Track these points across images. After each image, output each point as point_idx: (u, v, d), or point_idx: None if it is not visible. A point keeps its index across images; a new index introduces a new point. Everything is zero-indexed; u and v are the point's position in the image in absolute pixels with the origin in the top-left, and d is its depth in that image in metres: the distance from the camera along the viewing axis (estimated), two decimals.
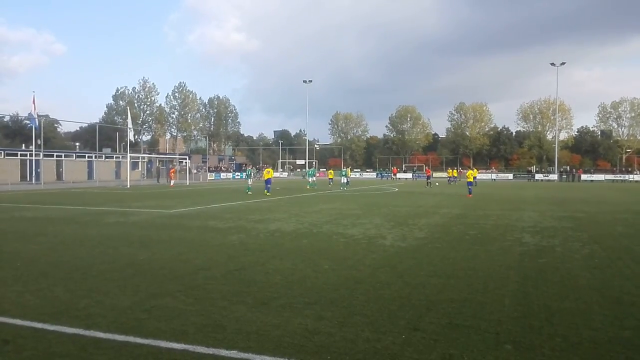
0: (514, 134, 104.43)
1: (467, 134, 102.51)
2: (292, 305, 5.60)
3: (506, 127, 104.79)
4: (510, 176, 74.01)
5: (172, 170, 46.37)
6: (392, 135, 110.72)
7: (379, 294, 6.15)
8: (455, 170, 53.81)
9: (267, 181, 30.49)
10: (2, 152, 47.09)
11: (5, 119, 78.09)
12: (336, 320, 5.08)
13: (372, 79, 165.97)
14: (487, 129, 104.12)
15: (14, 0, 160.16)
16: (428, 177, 44.36)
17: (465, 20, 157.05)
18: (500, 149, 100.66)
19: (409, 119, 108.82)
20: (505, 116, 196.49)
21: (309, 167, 59.97)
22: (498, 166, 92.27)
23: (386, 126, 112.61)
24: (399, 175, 71.20)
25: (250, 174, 36.52)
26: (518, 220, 14.93)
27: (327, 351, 4.24)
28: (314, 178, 40.60)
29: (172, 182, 43.15)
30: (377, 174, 78.76)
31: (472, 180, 28.92)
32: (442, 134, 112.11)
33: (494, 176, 71.54)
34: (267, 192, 28.86)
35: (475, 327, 4.88)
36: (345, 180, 38.45)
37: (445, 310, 5.44)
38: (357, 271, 7.52)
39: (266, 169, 35.50)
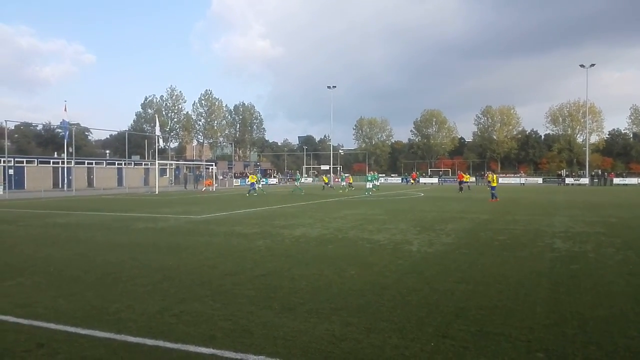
0: (542, 137, 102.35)
1: (495, 137, 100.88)
2: (318, 311, 5.60)
3: (535, 130, 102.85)
4: (540, 180, 72.45)
5: (207, 182, 47.45)
6: (417, 139, 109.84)
7: (406, 300, 6.09)
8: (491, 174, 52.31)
9: (252, 185, 36.85)
10: (35, 160, 48.54)
11: (38, 128, 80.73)
12: (363, 326, 5.05)
13: (396, 83, 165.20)
14: (515, 133, 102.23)
15: (45, 12, 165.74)
16: (461, 182, 40.23)
17: (490, 23, 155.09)
18: (529, 153, 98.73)
19: (434, 123, 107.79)
20: (534, 119, 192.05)
21: (333, 172, 60.20)
22: (527, 170, 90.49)
23: (411, 131, 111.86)
24: (422, 180, 70.33)
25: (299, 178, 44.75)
26: (548, 226, 14.60)
27: (354, 358, 4.22)
28: (371, 184, 38.90)
29: (204, 188, 44.19)
30: (402, 179, 78.18)
31: (496, 184, 28.36)
32: (469, 138, 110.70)
33: (522, 180, 70.17)
34: (248, 194, 34.69)
35: (506, 335, 4.78)
36: (371, 185, 37.84)
37: (475, 318, 5.35)
38: (384, 277, 7.47)
39: (250, 175, 41.84)
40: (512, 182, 70.34)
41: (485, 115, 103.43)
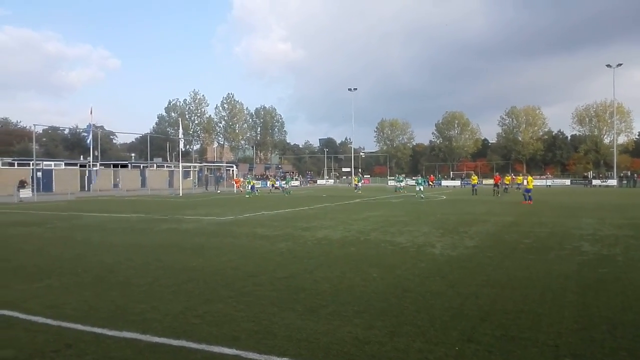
0: (569, 138, 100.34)
1: (520, 138, 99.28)
2: (341, 314, 5.58)
3: (561, 131, 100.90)
4: (567, 182, 70.99)
5: (237, 181, 48.01)
6: (438, 141, 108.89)
7: (430, 303, 6.03)
8: (520, 177, 49.79)
9: (252, 187, 40.24)
10: (63, 163, 49.70)
11: (65, 132, 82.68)
12: (386, 329, 5.01)
13: (417, 85, 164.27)
14: (540, 134, 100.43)
15: (71, 18, 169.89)
16: (496, 185, 37.44)
17: (512, 22, 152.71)
18: (555, 154, 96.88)
19: (456, 125, 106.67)
20: (560, 120, 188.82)
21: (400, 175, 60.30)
22: (554, 172, 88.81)
23: (432, 133, 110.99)
24: (444, 183, 69.42)
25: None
26: (576, 228, 14.29)
27: None
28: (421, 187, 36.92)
29: (238, 190, 44.79)
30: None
31: (532, 187, 27.68)
32: (492, 139, 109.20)
33: (549, 182, 68.89)
34: (248, 195, 36.89)
35: (533, 339, 4.69)
36: (422, 188, 36.61)
37: (500, 322, 5.27)
38: (407, 280, 7.41)
39: (244, 180, 45.46)
40: (538, 184, 68.85)
41: (510, 116, 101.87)
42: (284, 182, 46.38)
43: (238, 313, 5.63)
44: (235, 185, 46.89)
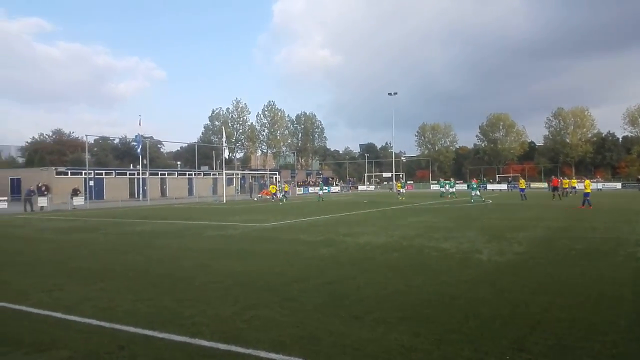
0: (620, 140, 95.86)
1: (568, 141, 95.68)
2: (385, 320, 5.54)
3: (611, 132, 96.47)
4: (619, 185, 67.80)
5: (265, 192, 45.67)
6: (483, 144, 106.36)
7: (478, 311, 5.89)
8: (574, 180, 47.38)
9: (273, 194, 40.77)
10: (114, 172, 51.68)
11: (115, 141, 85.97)
12: (433, 337, 4.93)
13: (459, 87, 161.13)
14: (589, 135, 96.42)
15: (119, 32, 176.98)
16: (555, 189, 35.74)
17: (558, 20, 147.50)
18: (605, 157, 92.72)
19: (501, 127, 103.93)
20: (610, 121, 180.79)
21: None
22: (604, 175, 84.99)
23: (476, 135, 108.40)
24: (490, 187, 67.42)
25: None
26: (630, 233, 13.62)
27: None
28: (477, 192, 36.98)
29: (272, 198, 42.73)
30: (467, 186, 75.81)
31: (589, 190, 26.67)
32: (539, 142, 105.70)
33: (599, 185, 65.97)
34: (273, 200, 39.15)
35: (588, 349, 4.51)
36: (478, 193, 35.22)
37: (552, 330, 5.08)
38: (453, 287, 7.26)
39: (271, 185, 44.23)
40: (578, 187, 66.31)
41: (557, 117, 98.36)
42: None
43: (283, 318, 5.69)
44: (264, 194, 45.15)
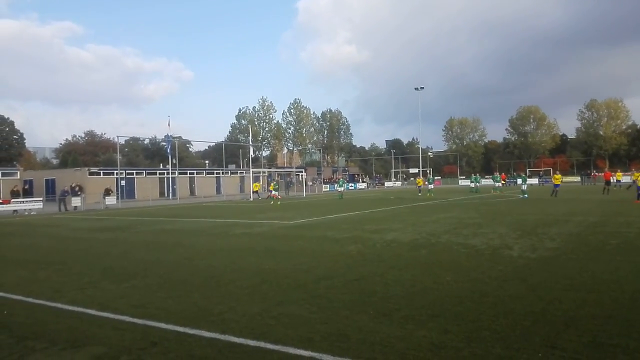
0: None
1: (601, 133, 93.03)
2: (414, 318, 5.49)
3: None
4: None
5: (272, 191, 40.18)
6: (513, 138, 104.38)
7: (509, 308, 5.78)
8: (619, 173, 44.94)
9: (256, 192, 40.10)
10: (144, 172, 52.73)
11: (145, 142, 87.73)
12: (463, 334, 4.87)
13: (487, 80, 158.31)
14: (624, 127, 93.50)
15: (148, 33, 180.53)
16: (607, 182, 33.89)
17: (589, 7, 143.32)
18: None
19: (531, 120, 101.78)
20: None
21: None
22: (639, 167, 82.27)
23: (506, 129, 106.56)
24: (519, 181, 65.06)
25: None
26: None
27: None
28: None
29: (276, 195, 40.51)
30: (515, 181, 74.12)
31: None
32: (572, 135, 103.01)
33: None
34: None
35: (623, 346, 4.38)
36: (525, 187, 34.35)
37: (587, 328, 4.95)
38: (483, 284, 7.15)
39: (254, 184, 42.82)
40: (623, 181, 64.25)
41: (590, 109, 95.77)
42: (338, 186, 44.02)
43: (311, 315, 5.70)
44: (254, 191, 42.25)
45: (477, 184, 44.44)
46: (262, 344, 4.73)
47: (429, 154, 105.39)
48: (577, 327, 4.98)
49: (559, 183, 33.56)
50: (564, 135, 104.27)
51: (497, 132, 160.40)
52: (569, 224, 15.04)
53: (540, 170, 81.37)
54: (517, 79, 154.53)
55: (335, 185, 46.53)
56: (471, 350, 4.43)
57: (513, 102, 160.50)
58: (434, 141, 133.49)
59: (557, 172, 44.79)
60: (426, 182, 43.82)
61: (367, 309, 5.91)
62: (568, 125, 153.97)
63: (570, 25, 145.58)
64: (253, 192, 42.49)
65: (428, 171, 79.45)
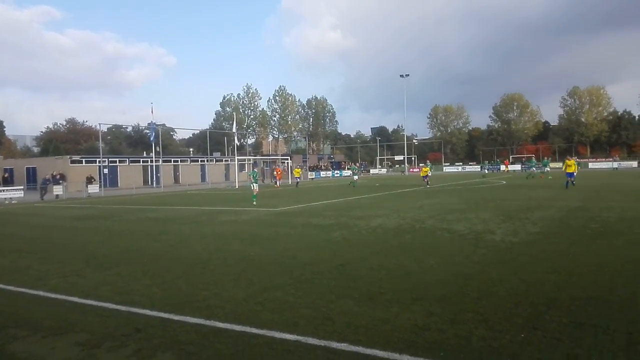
0: (637, 118, 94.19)
1: (583, 120, 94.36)
2: (399, 301, 5.54)
3: (628, 110, 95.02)
4: (635, 164, 66.81)
5: (277, 170, 44.63)
6: (496, 125, 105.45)
7: (492, 291, 5.87)
8: None
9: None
10: (127, 160, 52.12)
11: (128, 129, 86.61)
12: (447, 316, 4.93)
13: (472, 68, 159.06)
14: (605, 114, 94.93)
15: (128, 18, 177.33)
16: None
17: None
18: (621, 135, 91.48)
19: (515, 108, 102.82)
20: (627, 99, 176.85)
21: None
22: (619, 154, 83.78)
23: (490, 116, 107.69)
24: (502, 167, 64.06)
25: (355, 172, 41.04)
26: None
27: (439, 347, 4.13)
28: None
29: (278, 183, 42.82)
30: (481, 167, 75.17)
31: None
32: (554, 122, 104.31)
33: (615, 164, 65.07)
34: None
35: (603, 327, 4.47)
36: (548, 169, 33.20)
37: (568, 309, 5.04)
38: (466, 267, 7.24)
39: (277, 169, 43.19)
40: (604, 166, 65.49)
41: (572, 96, 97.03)
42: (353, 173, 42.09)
43: (297, 300, 5.72)
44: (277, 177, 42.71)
45: (486, 170, 45.56)
46: (247, 329, 4.73)
47: (414, 141, 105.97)
48: (558, 308, 5.07)
49: (574, 171, 24.72)
50: (546, 122, 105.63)
51: (481, 119, 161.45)
52: (550, 209, 15.26)
53: (523, 157, 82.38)
54: (502, 67, 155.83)
55: (349, 171, 45.17)
56: (455, 331, 4.49)
57: (498, 90, 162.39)
58: (419, 128, 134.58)
59: (570, 156, 33.31)
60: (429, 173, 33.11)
61: (352, 293, 5.95)
62: (551, 113, 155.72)
63: (554, 13, 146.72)
64: (294, 177, 43.68)
65: (413, 158, 79.79)
